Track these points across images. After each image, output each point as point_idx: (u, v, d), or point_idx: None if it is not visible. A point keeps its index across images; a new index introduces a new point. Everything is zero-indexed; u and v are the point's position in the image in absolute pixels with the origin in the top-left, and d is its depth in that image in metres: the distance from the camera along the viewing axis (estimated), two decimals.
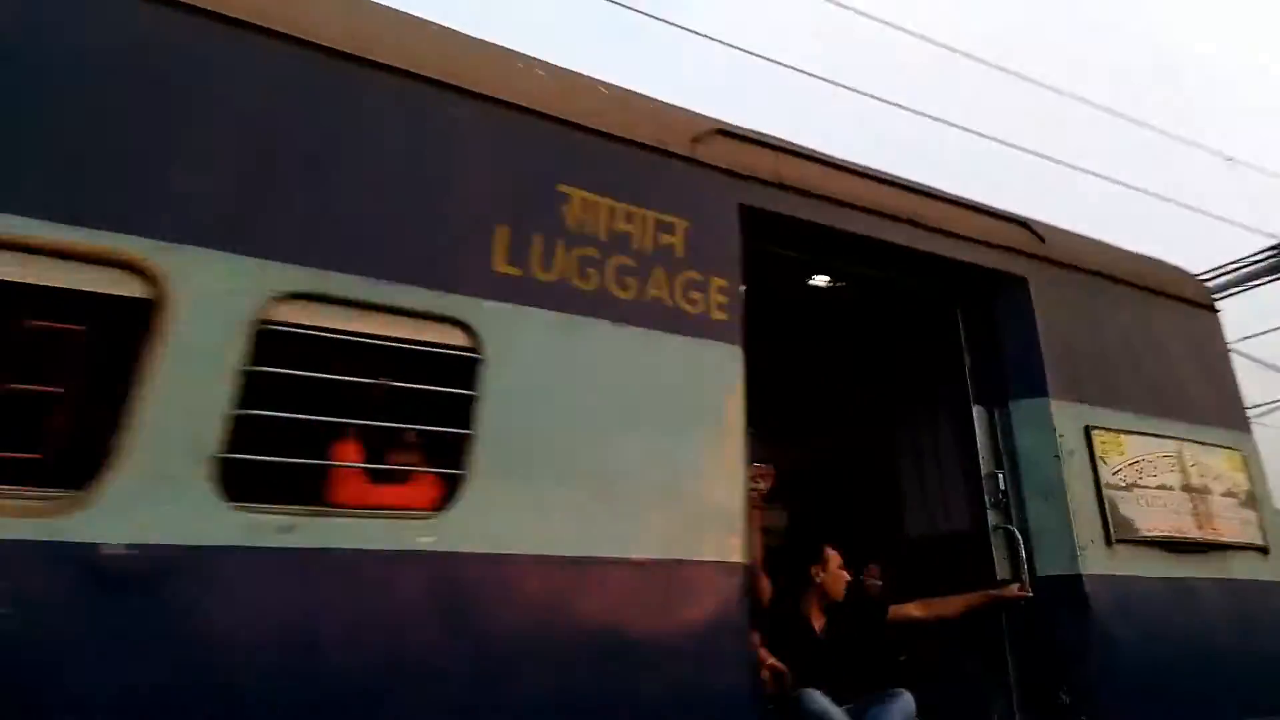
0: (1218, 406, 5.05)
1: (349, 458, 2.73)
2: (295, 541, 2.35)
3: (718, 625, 2.84)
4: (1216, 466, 4.76)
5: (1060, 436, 4.17)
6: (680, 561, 2.83)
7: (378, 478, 2.75)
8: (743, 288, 3.50)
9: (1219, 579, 4.45)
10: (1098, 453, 4.24)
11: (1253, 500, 4.84)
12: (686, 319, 3.21)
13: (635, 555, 2.76)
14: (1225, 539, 4.56)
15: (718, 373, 3.19)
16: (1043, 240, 4.60)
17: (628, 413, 2.93)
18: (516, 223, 2.96)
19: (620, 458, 2.86)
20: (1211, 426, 4.90)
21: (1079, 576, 3.90)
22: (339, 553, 2.38)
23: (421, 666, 2.38)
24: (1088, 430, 4.26)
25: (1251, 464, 4.97)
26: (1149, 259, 5.27)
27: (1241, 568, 4.58)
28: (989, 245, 4.32)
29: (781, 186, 3.73)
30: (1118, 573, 4.04)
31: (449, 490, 2.64)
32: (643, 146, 3.37)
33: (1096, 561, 3.98)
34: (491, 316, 2.80)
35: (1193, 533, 4.42)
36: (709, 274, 3.35)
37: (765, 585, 3.77)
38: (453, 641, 2.44)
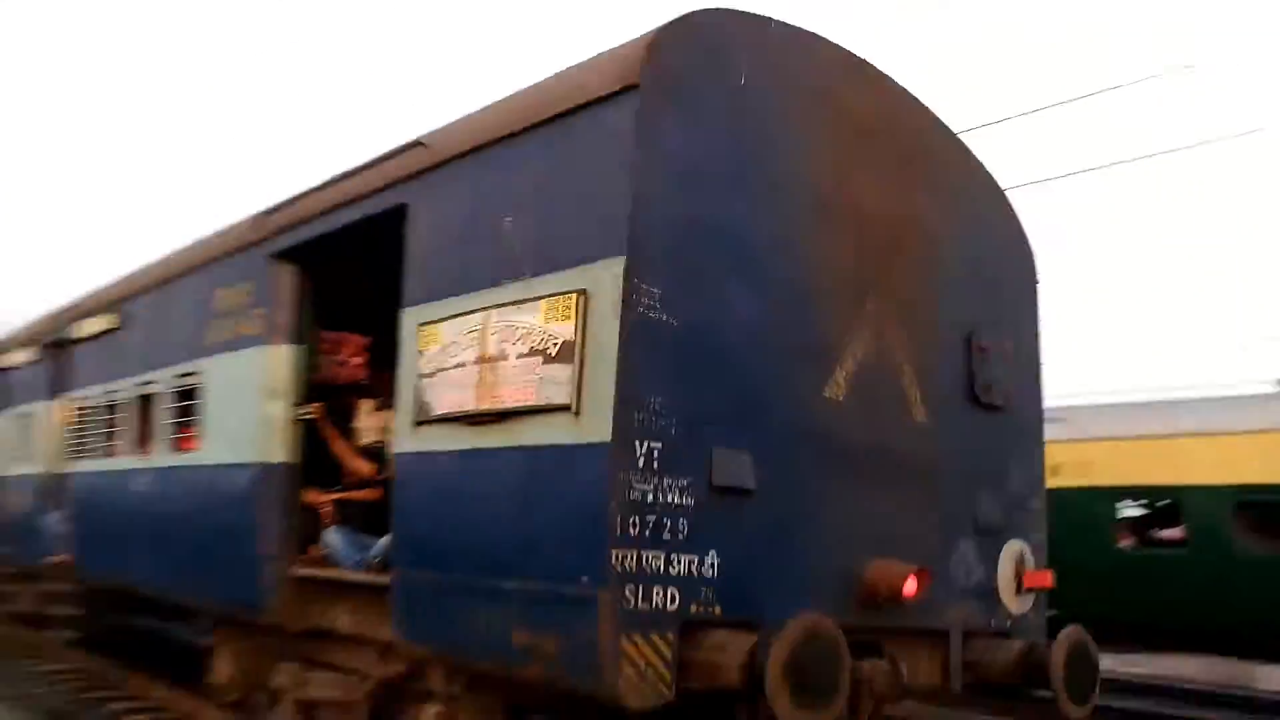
0: (569, 240, 4.09)
1: None
2: None
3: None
4: (527, 324, 4.17)
5: (403, 342, 5.01)
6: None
7: None
8: None
9: (510, 446, 4.30)
10: (419, 347, 4.85)
11: (569, 353, 3.95)
12: None
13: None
14: (513, 405, 4.21)
15: None
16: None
17: None
18: None
19: None
20: (545, 274, 4.15)
21: (395, 456, 5.03)
22: None
23: None
24: (416, 329, 4.88)
25: (596, 300, 3.90)
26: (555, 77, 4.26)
27: (537, 432, 4.14)
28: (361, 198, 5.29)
29: None
30: (419, 449, 4.84)
31: None
32: None
33: (405, 442, 4.94)
34: None
35: (475, 405, 4.40)
36: None
37: (361, 465, 6.25)
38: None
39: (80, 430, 9.32)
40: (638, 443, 3.89)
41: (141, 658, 9.90)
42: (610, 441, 3.84)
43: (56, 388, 10.20)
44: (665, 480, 3.98)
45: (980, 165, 6.00)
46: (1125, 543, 11.97)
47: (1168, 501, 11.81)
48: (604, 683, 3.83)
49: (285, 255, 6.44)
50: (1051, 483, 11.57)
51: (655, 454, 3.94)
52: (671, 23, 4.16)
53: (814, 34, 4.96)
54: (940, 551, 5.23)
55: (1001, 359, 5.69)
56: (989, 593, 5.52)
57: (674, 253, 4.04)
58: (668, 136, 4.03)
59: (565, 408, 4.01)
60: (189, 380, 7.30)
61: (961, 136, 6.05)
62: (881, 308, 4.97)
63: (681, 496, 4.03)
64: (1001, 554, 5.62)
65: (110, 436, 8.64)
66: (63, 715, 8.37)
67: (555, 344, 4.08)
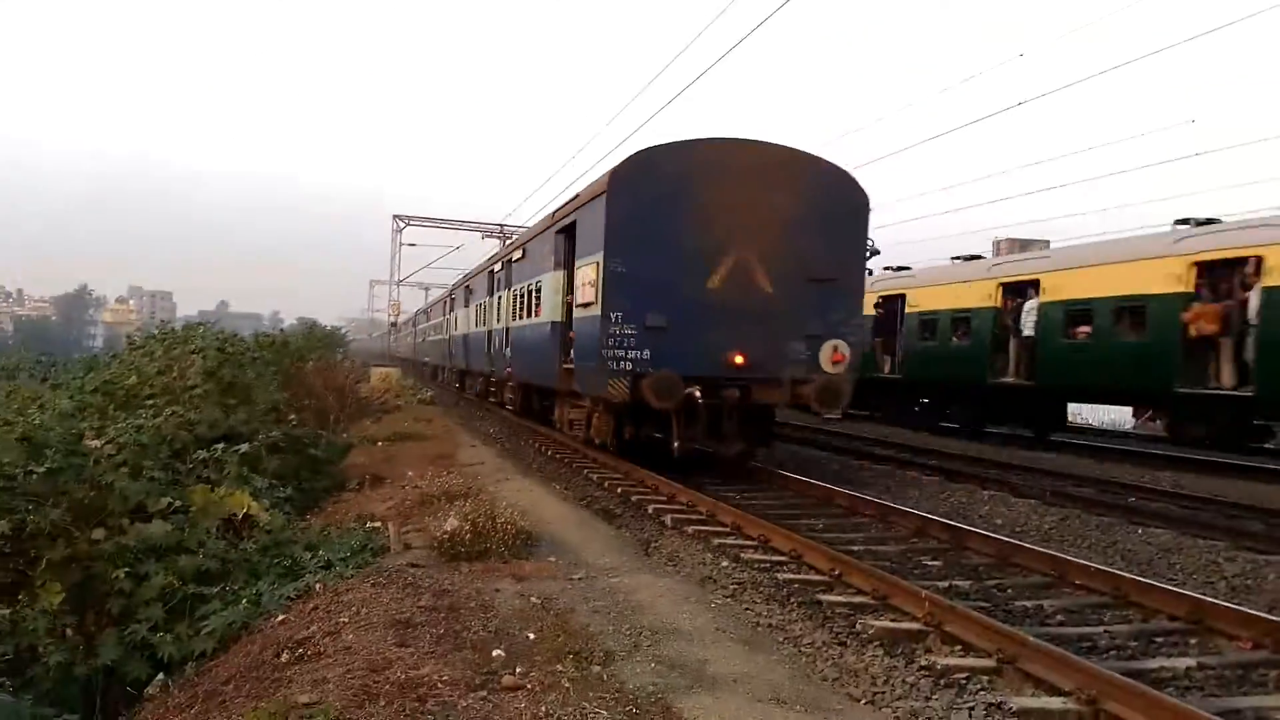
0: (595, 242, 11.84)
1: None
2: None
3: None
4: (588, 274, 12.03)
5: (574, 274, 13.09)
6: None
7: None
8: None
9: (588, 316, 12.25)
10: (577, 278, 12.89)
11: (595, 284, 11.73)
12: None
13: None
14: (585, 301, 12.14)
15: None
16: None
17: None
18: None
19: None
20: (589, 256, 11.98)
21: (574, 320, 13.25)
22: None
23: None
24: (576, 269, 12.92)
25: (600, 266, 11.64)
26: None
27: (589, 313, 12.05)
28: (568, 214, 13.36)
29: None
30: (577, 316, 12.97)
31: None
32: None
33: (575, 314, 13.10)
34: None
35: (581, 301, 12.40)
36: None
37: None
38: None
39: (511, 306, 19.06)
40: (611, 314, 11.67)
41: (538, 417, 19.61)
42: (600, 315, 11.66)
43: (508, 284, 20.11)
44: (623, 327, 11.71)
45: (828, 166, 12.34)
46: (1073, 337, 17.08)
47: (1086, 310, 16.68)
48: (604, 394, 11.81)
49: (559, 231, 14.85)
50: (1042, 299, 16.74)
51: (619, 318, 11.69)
52: (626, 159, 11.63)
53: (715, 138, 11.91)
54: (779, 346, 12.13)
55: (826, 258, 12.13)
56: (815, 364, 12.20)
57: (625, 246, 11.62)
58: (622, 205, 11.59)
59: (594, 304, 11.89)
60: (538, 285, 16.24)
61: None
62: (742, 245, 11.89)
63: (632, 330, 11.73)
64: (823, 345, 12.23)
65: (519, 309, 18.12)
66: (613, 514, 10.32)
67: (591, 281, 11.95)
